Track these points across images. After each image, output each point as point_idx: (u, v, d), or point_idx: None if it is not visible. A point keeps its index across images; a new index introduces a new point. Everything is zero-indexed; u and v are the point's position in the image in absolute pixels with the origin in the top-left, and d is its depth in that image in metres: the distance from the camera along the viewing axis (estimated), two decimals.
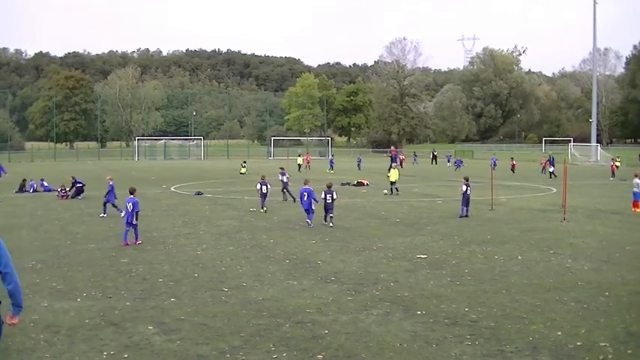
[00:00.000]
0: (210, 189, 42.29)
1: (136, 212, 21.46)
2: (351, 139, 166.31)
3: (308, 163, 71.93)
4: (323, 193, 25.74)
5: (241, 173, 62.43)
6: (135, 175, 62.48)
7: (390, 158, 50.94)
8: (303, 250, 19.80)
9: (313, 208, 25.49)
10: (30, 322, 12.06)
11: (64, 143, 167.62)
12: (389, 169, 42.06)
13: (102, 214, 28.91)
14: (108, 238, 22.53)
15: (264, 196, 30.05)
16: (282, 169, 36.54)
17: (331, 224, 25.17)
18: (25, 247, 21.04)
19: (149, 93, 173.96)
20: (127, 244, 21.08)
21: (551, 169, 54.56)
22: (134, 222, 21.42)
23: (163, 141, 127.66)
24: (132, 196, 21.84)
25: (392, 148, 55.71)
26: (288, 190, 34.49)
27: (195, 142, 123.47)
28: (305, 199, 25.45)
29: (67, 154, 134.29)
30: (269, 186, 30.47)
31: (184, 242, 21.60)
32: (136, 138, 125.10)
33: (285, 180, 34.86)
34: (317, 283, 15.06)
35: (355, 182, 46.06)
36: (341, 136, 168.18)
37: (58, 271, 17.03)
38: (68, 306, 13.28)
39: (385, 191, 38.48)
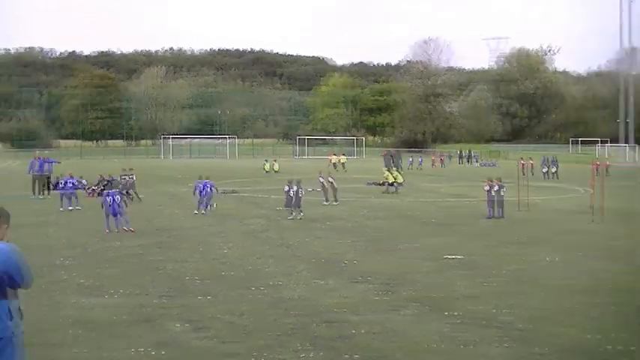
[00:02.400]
0: (237, 187, 42.34)
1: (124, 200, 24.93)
2: (379, 138, 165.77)
3: (331, 162, 71.74)
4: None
5: (266, 171, 62.46)
6: (161, 173, 62.66)
7: (386, 159, 50.09)
8: (330, 249, 19.75)
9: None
10: (59, 318, 12.13)
11: (92, 141, 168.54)
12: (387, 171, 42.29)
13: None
14: (135, 236, 22.59)
15: (290, 199, 28.63)
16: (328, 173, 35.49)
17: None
18: (53, 244, 21.20)
19: (177, 92, 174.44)
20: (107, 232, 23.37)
21: (553, 170, 54.06)
22: (122, 211, 24.16)
23: (190, 139, 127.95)
24: (113, 190, 25.80)
25: (386, 150, 55.19)
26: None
27: (222, 140, 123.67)
28: None
29: (95, 151, 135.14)
30: (297, 188, 28.90)
31: (212, 240, 21.63)
32: (162, 136, 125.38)
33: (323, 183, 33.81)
34: (345, 283, 15.00)
35: (381, 182, 45.87)
36: (371, 135, 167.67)
37: (87, 268, 17.11)
38: (97, 302, 13.35)
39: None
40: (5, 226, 6.92)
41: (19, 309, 7.01)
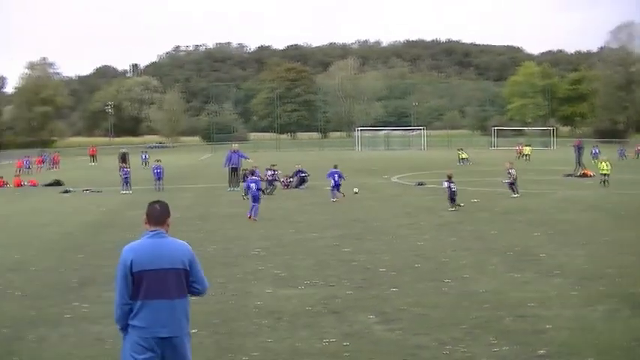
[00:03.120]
0: (431, 179, 42.27)
1: (259, 189, 26.31)
2: (575, 128, 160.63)
3: (519, 153, 70.14)
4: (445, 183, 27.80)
5: (462, 158, 62.09)
6: (355, 165, 63.50)
7: (575, 149, 48.42)
8: (525, 242, 19.44)
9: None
10: (254, 308, 12.63)
11: (286, 134, 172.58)
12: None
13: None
14: (330, 228, 23.10)
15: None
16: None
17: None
18: (249, 234, 22.06)
19: (369, 84, 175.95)
20: (250, 219, 25.19)
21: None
22: (259, 199, 25.94)
23: (384, 131, 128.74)
24: (253, 177, 26.95)
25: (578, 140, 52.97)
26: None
27: (416, 132, 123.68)
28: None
29: (289, 144, 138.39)
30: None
31: (406, 232, 21.79)
32: (357, 128, 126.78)
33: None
34: (540, 277, 14.77)
35: (579, 173, 44.62)
36: (564, 125, 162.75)
37: (282, 258, 17.68)
38: (291, 293, 13.78)
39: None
40: (169, 219, 6.94)
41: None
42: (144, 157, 71.86)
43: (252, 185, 26.07)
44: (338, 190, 32.02)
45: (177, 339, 6.62)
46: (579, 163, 46.82)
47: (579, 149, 47.68)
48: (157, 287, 6.53)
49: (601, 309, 12.08)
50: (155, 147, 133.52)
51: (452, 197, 27.50)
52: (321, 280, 14.84)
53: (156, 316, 6.52)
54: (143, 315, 6.53)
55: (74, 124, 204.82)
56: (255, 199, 25.75)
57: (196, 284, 6.84)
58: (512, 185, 31.73)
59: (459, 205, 27.34)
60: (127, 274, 6.54)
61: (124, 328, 6.67)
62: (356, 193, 33.84)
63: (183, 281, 6.70)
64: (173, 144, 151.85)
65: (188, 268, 6.73)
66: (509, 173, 31.89)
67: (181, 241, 6.91)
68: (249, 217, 25.39)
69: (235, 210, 28.64)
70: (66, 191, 40.30)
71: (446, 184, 27.73)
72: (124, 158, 48.62)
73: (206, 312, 12.23)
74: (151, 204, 6.93)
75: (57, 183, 45.79)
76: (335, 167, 33.04)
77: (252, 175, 27.79)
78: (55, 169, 67.43)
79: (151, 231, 6.75)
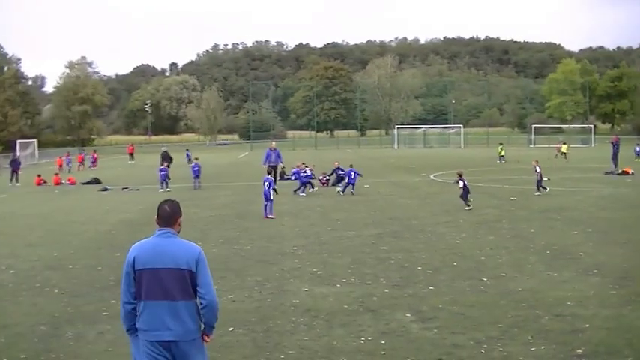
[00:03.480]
0: (469, 177, 41.96)
1: (273, 189, 26.37)
2: (614, 126, 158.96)
3: (559, 152, 69.48)
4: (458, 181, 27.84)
5: (501, 156, 61.74)
6: (394, 162, 63.42)
7: (612, 146, 48.16)
8: (564, 240, 19.29)
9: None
10: (291, 306, 12.69)
11: (324, 132, 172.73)
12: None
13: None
14: (367, 226, 23.09)
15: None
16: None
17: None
18: (286, 232, 22.15)
19: (407, 81, 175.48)
20: (267, 217, 25.58)
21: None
22: (271, 198, 25.98)
23: (422, 129, 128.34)
24: (268, 176, 27.19)
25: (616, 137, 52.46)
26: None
27: (454, 130, 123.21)
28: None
29: (327, 142, 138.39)
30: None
31: (443, 230, 21.72)
32: (396, 126, 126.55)
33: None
34: (578, 275, 14.66)
35: (620, 171, 44.14)
36: (604, 123, 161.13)
37: (319, 256, 17.73)
38: (327, 291, 13.82)
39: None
40: (180, 219, 6.75)
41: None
42: (188, 155, 71.86)
43: (266, 184, 26.32)
44: (353, 187, 33.65)
45: (184, 343, 6.40)
46: (615, 160, 46.55)
47: (615, 146, 47.34)
48: (157, 287, 6.35)
49: None
50: (221, 144, 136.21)
51: (465, 195, 27.40)
52: (358, 278, 14.86)
53: (157, 317, 6.35)
54: (145, 316, 6.40)
55: (112, 123, 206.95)
56: (267, 199, 26.12)
57: (200, 288, 6.45)
58: (538, 183, 31.64)
59: (468, 205, 27.19)
60: (130, 272, 6.45)
61: (130, 330, 6.59)
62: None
63: (189, 282, 6.43)
64: (234, 142, 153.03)
65: (194, 270, 6.45)
66: (536, 171, 31.89)
67: (192, 243, 6.69)
68: (266, 217, 25.74)
69: (274, 208, 28.71)
70: (104, 189, 40.67)
71: (461, 183, 27.64)
72: (163, 157, 49.03)
73: (243, 310, 12.34)
74: (162, 204, 6.74)
75: (95, 181, 46.23)
76: (351, 167, 35.13)
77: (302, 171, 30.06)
78: (93, 168, 67.97)
79: (160, 230, 6.60)
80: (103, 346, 10.50)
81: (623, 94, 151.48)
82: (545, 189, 31.61)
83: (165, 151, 50.94)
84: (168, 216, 6.62)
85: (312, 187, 35.42)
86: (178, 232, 6.70)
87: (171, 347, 6.36)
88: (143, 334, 6.40)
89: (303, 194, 33.36)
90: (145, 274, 6.38)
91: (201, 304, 6.51)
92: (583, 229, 21.33)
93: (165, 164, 43.54)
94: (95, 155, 73.72)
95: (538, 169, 31.95)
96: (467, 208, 26.78)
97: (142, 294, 6.40)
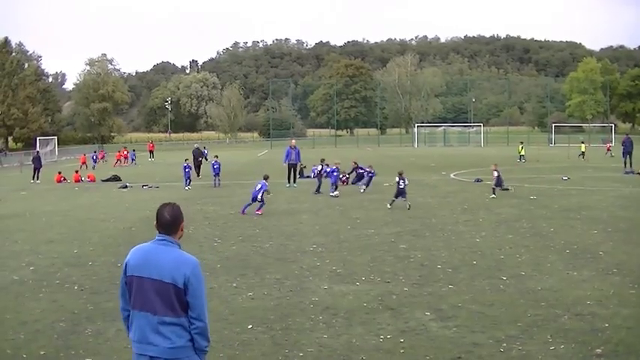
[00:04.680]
0: (489, 176, 41.88)
1: (264, 191, 26.61)
2: (636, 125, 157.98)
3: (608, 150, 69.06)
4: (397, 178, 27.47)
5: (521, 155, 61.56)
6: (414, 161, 63.34)
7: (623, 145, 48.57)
8: (584, 239, 19.21)
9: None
10: (310, 304, 12.68)
11: (344, 130, 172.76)
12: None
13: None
14: (387, 224, 23.07)
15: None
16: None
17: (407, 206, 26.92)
18: (306, 230, 22.14)
19: (428, 80, 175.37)
20: (243, 213, 26.23)
21: None
22: (259, 199, 26.41)
23: (443, 128, 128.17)
24: (264, 181, 27.07)
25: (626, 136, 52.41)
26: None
27: (474, 128, 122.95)
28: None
29: (347, 140, 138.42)
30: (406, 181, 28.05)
31: (463, 229, 21.67)
32: (416, 125, 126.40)
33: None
34: (598, 275, 14.59)
35: (638, 171, 43.81)
36: (624, 122, 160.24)
37: (338, 254, 17.72)
38: (347, 289, 13.81)
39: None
40: (183, 223, 6.13)
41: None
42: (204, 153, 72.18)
43: (259, 186, 26.82)
44: (368, 184, 34.69)
45: None
46: (628, 159, 46.78)
47: (625, 145, 47.50)
48: (141, 297, 5.88)
49: None
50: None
51: (499, 184, 28.11)
52: (377, 277, 14.84)
53: (142, 330, 5.87)
54: (134, 327, 5.96)
55: (133, 120, 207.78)
56: (254, 199, 26.69)
57: (190, 311, 5.82)
58: (497, 186, 31.33)
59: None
60: (123, 276, 6.11)
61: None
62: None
63: (174, 299, 5.78)
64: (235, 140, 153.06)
65: (180, 286, 5.76)
66: (494, 175, 31.71)
67: (189, 256, 5.97)
68: (242, 213, 26.39)
69: (293, 206, 28.79)
70: (124, 187, 40.87)
71: (496, 174, 27.99)
72: (195, 154, 48.19)
73: (262, 308, 12.37)
74: (161, 208, 6.09)
75: (115, 178, 46.46)
76: (370, 167, 36.50)
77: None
78: (123, 165, 68.24)
79: (159, 236, 6.04)
80: (123, 344, 10.52)
81: None
82: (508, 189, 32.09)
83: (197, 148, 50.61)
84: (168, 223, 6.02)
85: (334, 189, 33.71)
86: (180, 238, 6.14)
87: None
88: (133, 345, 5.97)
89: (335, 194, 32.79)
90: (134, 281, 5.96)
91: (190, 326, 5.86)
92: (603, 228, 21.23)
93: (201, 159, 43.60)
94: (124, 153, 73.91)
95: (496, 174, 31.56)
96: (492, 196, 28.26)
97: (131, 302, 6.01)
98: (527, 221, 23.11)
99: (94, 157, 67.41)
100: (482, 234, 20.60)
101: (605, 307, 11.99)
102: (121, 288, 6.14)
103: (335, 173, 33.92)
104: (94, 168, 61.61)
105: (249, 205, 26.58)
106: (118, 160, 70.93)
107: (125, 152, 74.31)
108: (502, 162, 54.85)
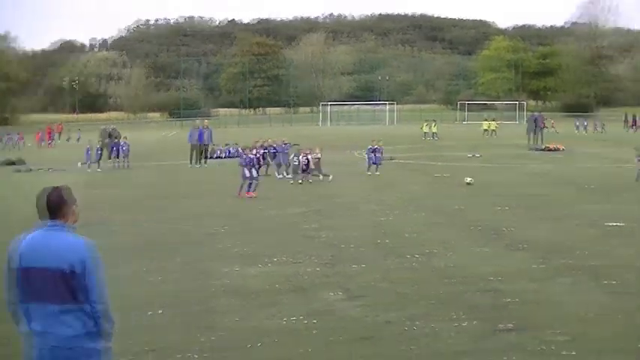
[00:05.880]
0: (399, 154, 42.34)
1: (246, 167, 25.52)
2: (540, 102, 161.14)
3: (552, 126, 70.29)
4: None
5: (434, 133, 62.45)
6: (321, 140, 63.33)
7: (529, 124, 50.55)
8: (491, 216, 19.59)
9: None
10: (221, 286, 12.58)
11: (251, 109, 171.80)
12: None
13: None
14: (292, 205, 23.10)
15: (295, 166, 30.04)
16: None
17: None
18: (211, 212, 21.91)
19: (339, 58, 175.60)
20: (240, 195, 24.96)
21: None
22: (247, 176, 25.29)
23: (352, 106, 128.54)
24: (250, 156, 26.32)
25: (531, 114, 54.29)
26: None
27: (381, 107, 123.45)
28: None
29: (254, 120, 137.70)
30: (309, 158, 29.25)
31: (374, 208, 21.82)
32: (321, 103, 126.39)
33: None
34: (503, 251, 14.93)
35: (543, 147, 44.76)
36: (534, 100, 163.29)
37: (242, 236, 17.55)
38: (257, 271, 13.74)
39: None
40: (75, 206, 5.77)
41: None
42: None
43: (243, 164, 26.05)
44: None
45: (67, 351, 5.54)
46: (532, 135, 47.94)
47: (530, 123, 48.91)
48: (37, 288, 5.55)
49: (563, 282, 12.27)
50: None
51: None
52: (283, 258, 14.74)
53: (42, 321, 5.57)
54: (32, 319, 5.63)
55: (38, 101, 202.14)
56: (244, 177, 25.54)
57: (90, 294, 5.54)
58: (312, 170, 30.04)
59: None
60: (7, 268, 5.69)
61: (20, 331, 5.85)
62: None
63: (72, 284, 5.50)
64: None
65: (78, 271, 5.48)
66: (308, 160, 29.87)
67: (83, 238, 5.65)
68: (239, 195, 25.15)
69: (198, 189, 28.61)
70: (18, 170, 38.65)
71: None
72: (110, 134, 46.39)
73: (173, 291, 12.27)
74: (42, 193, 5.71)
75: (11, 162, 43.54)
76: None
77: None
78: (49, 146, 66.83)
79: (48, 222, 5.66)
80: None
81: (552, 71, 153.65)
82: (328, 177, 30.28)
83: (114, 128, 48.23)
84: (53, 207, 5.64)
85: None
86: (75, 222, 5.78)
87: (54, 354, 5.55)
88: (30, 338, 5.65)
89: (282, 176, 31.94)
90: (25, 272, 5.59)
91: (92, 310, 5.59)
92: (507, 204, 21.68)
93: (118, 140, 41.88)
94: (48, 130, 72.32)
95: (310, 157, 29.90)
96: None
97: (24, 294, 5.65)
98: (434, 199, 23.43)
99: (8, 140, 65.44)
100: (389, 213, 20.72)
101: (508, 282, 12.27)
102: (6, 281, 5.74)
103: (377, 154, 32.79)
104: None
105: (243, 185, 25.47)
106: (49, 138, 69.46)
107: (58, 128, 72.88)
108: (409, 141, 55.52)
